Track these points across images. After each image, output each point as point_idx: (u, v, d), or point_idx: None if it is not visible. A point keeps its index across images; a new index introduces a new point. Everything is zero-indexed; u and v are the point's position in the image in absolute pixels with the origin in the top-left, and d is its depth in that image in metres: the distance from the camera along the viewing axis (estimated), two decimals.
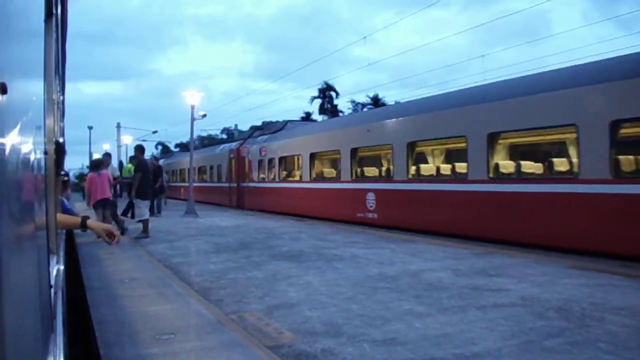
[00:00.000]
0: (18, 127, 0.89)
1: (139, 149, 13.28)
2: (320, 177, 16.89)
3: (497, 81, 12.10)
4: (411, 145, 12.48)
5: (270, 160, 19.98)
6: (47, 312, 1.62)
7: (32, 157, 1.17)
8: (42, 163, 1.61)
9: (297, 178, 18.26)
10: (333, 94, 51.91)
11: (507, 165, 10.29)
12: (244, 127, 57.43)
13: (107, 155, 15.73)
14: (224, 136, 62.67)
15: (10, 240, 0.79)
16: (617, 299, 5.17)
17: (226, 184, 24.81)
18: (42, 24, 1.80)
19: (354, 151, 14.64)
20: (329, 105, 51.83)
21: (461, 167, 11.24)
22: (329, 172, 17.04)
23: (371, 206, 13.50)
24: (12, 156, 0.82)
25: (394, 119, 13.29)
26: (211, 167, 28.27)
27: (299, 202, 17.56)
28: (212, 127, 78.09)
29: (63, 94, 8.44)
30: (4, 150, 0.74)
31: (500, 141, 10.50)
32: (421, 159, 13.64)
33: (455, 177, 11.55)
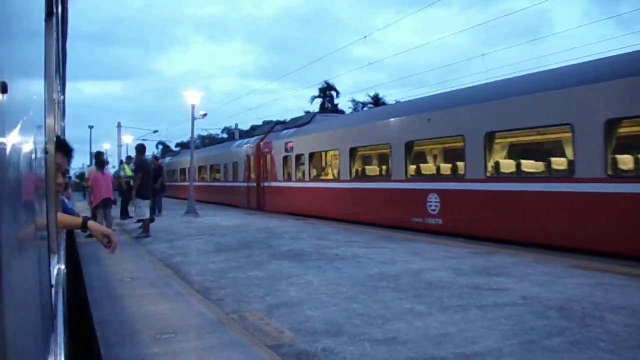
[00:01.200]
0: (19, 126, 0.89)
1: (140, 149, 13.29)
2: (364, 176, 14.64)
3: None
4: (490, 137, 10.27)
5: (299, 157, 17.77)
6: (48, 311, 1.62)
7: (32, 156, 1.17)
8: (43, 163, 1.61)
9: (333, 177, 16.31)
10: (334, 93, 51.95)
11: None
12: (245, 126, 57.43)
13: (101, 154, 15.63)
14: (225, 136, 62.67)
15: (11, 240, 0.79)
16: (618, 298, 5.17)
17: (244, 184, 22.67)
18: (43, 23, 1.80)
19: (409, 145, 12.55)
20: (329, 105, 51.84)
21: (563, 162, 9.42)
22: (375, 169, 14.85)
23: (434, 210, 11.44)
24: (13, 156, 0.82)
25: (472, 105, 10.76)
26: (226, 166, 25.91)
27: (335, 204, 15.41)
28: (212, 127, 78.19)
29: (64, 93, 8.45)
30: (4, 149, 0.74)
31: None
32: (510, 153, 11.08)
33: (561, 174, 9.30)
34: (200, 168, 30.48)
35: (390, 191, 13.11)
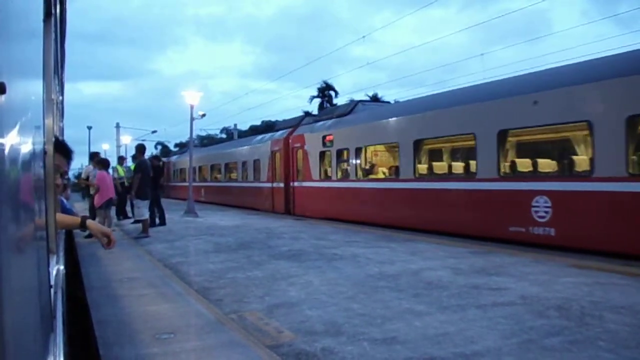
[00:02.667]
0: (17, 126, 0.89)
1: (140, 149, 13.29)
2: (433, 174, 12.09)
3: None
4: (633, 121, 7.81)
5: (340, 152, 15.08)
6: (47, 311, 1.62)
7: (31, 157, 1.17)
8: (42, 163, 1.61)
9: (388, 175, 13.73)
10: (332, 93, 51.93)
11: None
12: (244, 126, 57.45)
13: (97, 154, 15.59)
14: (224, 136, 62.66)
15: (10, 240, 0.79)
16: (617, 297, 5.18)
17: (267, 184, 19.69)
18: (41, 23, 1.80)
19: (502, 135, 9.97)
20: (328, 105, 51.82)
21: None
22: (450, 166, 12.16)
23: (542, 217, 9.02)
24: (11, 156, 0.82)
25: (598, 81, 8.34)
26: (244, 164, 22.79)
27: (392, 208, 12.75)
28: (211, 127, 78.18)
29: (62, 93, 8.44)
30: (3, 150, 0.74)
31: None
32: None
33: None
34: (212, 167, 28.14)
35: (475, 194, 10.50)
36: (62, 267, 3.45)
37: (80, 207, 18.02)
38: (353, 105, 16.09)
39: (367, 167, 14.58)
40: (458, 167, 11.92)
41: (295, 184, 17.68)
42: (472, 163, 10.91)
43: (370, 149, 14.82)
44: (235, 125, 45.89)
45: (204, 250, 9.30)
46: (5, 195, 0.76)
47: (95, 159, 13.56)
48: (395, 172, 13.19)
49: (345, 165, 15.22)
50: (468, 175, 11.11)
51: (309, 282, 6.24)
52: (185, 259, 8.40)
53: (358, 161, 14.52)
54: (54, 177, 2.33)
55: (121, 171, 17.16)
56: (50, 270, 1.91)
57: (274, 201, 19.11)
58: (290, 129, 18.86)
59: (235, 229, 12.83)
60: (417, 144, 12.30)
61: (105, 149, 50.08)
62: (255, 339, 4.12)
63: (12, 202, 0.84)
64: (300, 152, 17.43)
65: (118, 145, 44.99)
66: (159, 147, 69.28)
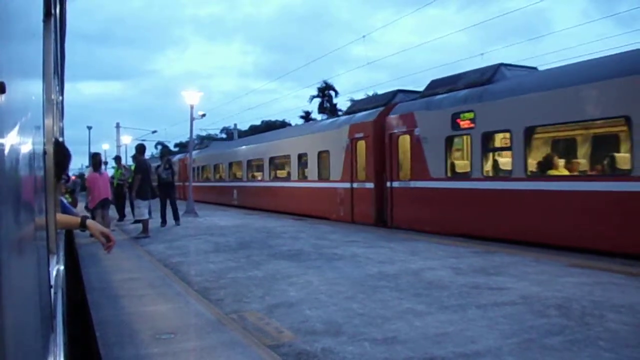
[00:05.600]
0: (17, 127, 0.89)
1: (140, 149, 13.26)
2: None
3: None
4: None
5: (489, 137, 10.32)
6: (47, 312, 1.62)
7: (31, 157, 1.17)
8: (41, 163, 1.61)
9: (586, 169, 9.14)
10: (332, 92, 51.98)
11: None
12: (243, 126, 57.48)
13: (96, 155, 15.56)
14: (224, 135, 62.70)
15: (10, 240, 0.79)
16: (617, 296, 5.18)
17: (341, 184, 14.64)
18: (41, 23, 1.79)
19: None
20: (328, 104, 51.87)
21: None
22: None
23: None
24: (11, 156, 0.82)
25: None
26: (300, 158, 17.41)
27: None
28: (211, 127, 78.19)
29: (62, 94, 8.45)
30: (3, 150, 0.74)
31: None
32: None
33: None
34: (249, 163, 22.39)
35: None
36: (62, 267, 3.45)
37: (80, 207, 18.02)
38: (494, 70, 10.96)
39: (545, 158, 9.56)
40: None
41: (396, 184, 12.70)
42: None
43: (548, 130, 9.71)
44: (235, 125, 45.91)
45: (204, 250, 9.29)
46: (5, 195, 0.76)
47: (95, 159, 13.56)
48: (612, 165, 8.44)
49: (499, 157, 10.44)
50: None
51: (309, 282, 6.24)
52: (185, 259, 8.40)
53: (528, 150, 9.48)
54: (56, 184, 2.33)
55: (116, 173, 16.44)
56: (50, 271, 1.91)
57: (354, 207, 14.10)
58: (379, 109, 13.80)
59: (235, 229, 12.83)
60: None
61: (105, 149, 50.16)
62: (255, 339, 4.12)
63: (12, 203, 0.84)
64: (405, 138, 12.50)
65: (118, 145, 45.02)
66: (159, 147, 69.41)
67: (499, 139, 10.53)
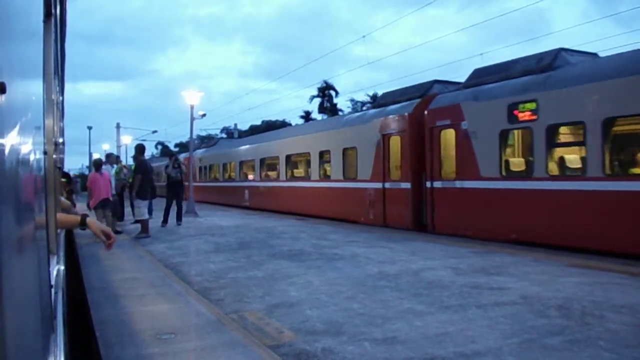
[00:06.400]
0: (17, 127, 0.89)
1: (139, 149, 13.26)
2: None
3: None
4: None
5: (553, 130, 9.05)
6: (48, 312, 1.62)
7: (31, 157, 1.17)
8: (42, 163, 1.61)
9: None
10: (332, 92, 51.99)
11: None
12: (244, 126, 57.49)
13: (109, 156, 15.63)
14: (224, 135, 62.73)
15: (10, 240, 0.79)
16: (617, 297, 5.18)
17: (371, 184, 13.40)
18: (41, 24, 1.80)
19: None
20: (328, 104, 51.88)
21: None
22: None
23: None
24: (12, 156, 0.82)
25: None
26: (322, 156, 16.06)
27: None
28: (211, 127, 78.26)
29: (62, 94, 8.44)
30: (3, 150, 0.74)
31: None
32: None
33: None
34: (262, 161, 20.98)
35: None
36: (62, 267, 3.46)
37: (79, 207, 18.01)
38: (553, 55, 9.64)
39: (628, 154, 8.72)
40: None
41: (438, 184, 11.40)
42: None
43: (632, 122, 8.39)
44: (235, 125, 45.92)
45: (204, 250, 9.30)
46: (5, 195, 0.76)
47: (110, 159, 13.68)
48: None
49: (567, 153, 9.17)
50: None
51: (309, 282, 6.24)
52: (185, 259, 8.40)
53: (600, 144, 8.11)
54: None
55: (117, 171, 16.36)
56: (51, 271, 1.91)
57: (386, 210, 12.86)
58: (415, 101, 12.56)
59: (235, 229, 12.83)
60: None
61: (106, 149, 50.20)
62: (255, 339, 4.12)
63: (12, 203, 0.84)
64: (449, 133, 11.23)
65: (118, 145, 45.08)
66: (159, 147, 69.47)
67: (569, 133, 9.26)
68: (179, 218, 14.16)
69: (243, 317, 4.80)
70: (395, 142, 12.86)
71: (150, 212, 14.76)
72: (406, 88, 13.84)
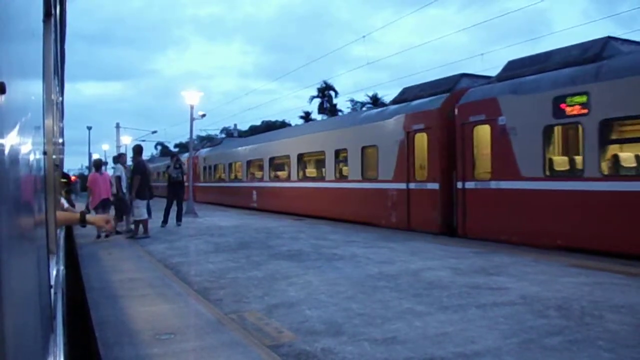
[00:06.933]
0: (17, 127, 0.89)
1: (137, 150, 13.26)
2: None
3: None
4: None
5: (609, 125, 8.31)
6: (47, 312, 1.62)
7: (31, 157, 1.17)
8: (41, 163, 1.61)
9: None
10: (332, 93, 51.98)
11: None
12: (243, 126, 57.50)
13: (121, 156, 15.60)
14: (224, 135, 62.78)
15: (10, 240, 0.79)
16: (616, 297, 5.18)
17: (394, 185, 12.57)
18: (41, 24, 1.80)
19: None
20: (328, 105, 51.87)
21: None
22: None
23: None
24: (11, 156, 0.82)
25: None
26: (338, 154, 15.23)
27: None
28: (211, 127, 78.31)
29: (62, 94, 8.44)
30: (3, 150, 0.74)
31: None
32: None
33: None
34: (271, 161, 19.98)
35: None
36: (62, 268, 3.46)
37: (78, 208, 18.01)
38: (602, 44, 9.02)
39: None
40: None
41: (470, 184, 10.51)
42: None
43: None
44: (235, 125, 45.91)
45: (204, 251, 9.29)
46: (5, 195, 0.76)
47: (120, 159, 13.70)
48: None
49: (626, 150, 8.46)
50: None
51: (309, 282, 6.24)
52: (185, 259, 8.40)
53: None
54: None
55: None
56: (50, 271, 1.91)
57: (410, 212, 12.05)
58: (443, 96, 11.63)
59: (235, 229, 12.83)
60: None
61: (105, 149, 50.20)
62: (255, 339, 4.12)
63: (12, 203, 0.84)
64: (483, 129, 10.40)
65: (118, 145, 45.04)
66: (159, 147, 69.46)
67: (628, 128, 8.49)
68: (178, 218, 14.18)
69: (242, 317, 4.79)
70: (421, 140, 11.97)
71: (149, 212, 14.78)
72: (431, 82, 13.01)
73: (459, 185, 10.75)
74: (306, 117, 52.57)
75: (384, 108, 14.13)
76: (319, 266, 7.37)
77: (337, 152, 15.25)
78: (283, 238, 10.78)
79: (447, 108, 11.21)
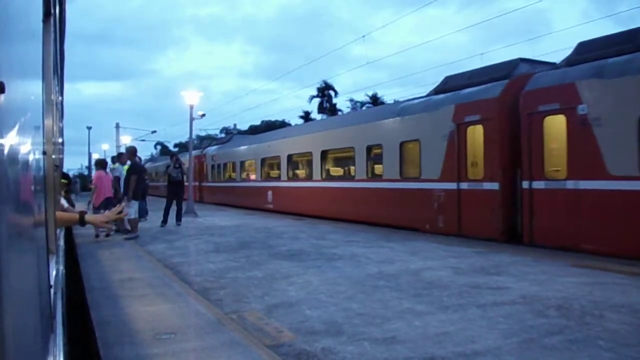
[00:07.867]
0: (16, 127, 0.89)
1: (132, 151, 13.29)
2: None
3: None
4: None
5: None
6: (47, 312, 1.62)
7: (30, 157, 1.17)
8: (41, 163, 1.61)
9: None
10: (332, 92, 51.99)
11: None
12: (243, 126, 57.48)
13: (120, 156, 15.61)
14: (223, 135, 62.81)
15: (9, 240, 0.79)
16: (616, 296, 5.18)
17: (439, 184, 11.15)
18: (40, 23, 1.79)
19: None
20: (327, 104, 51.88)
21: None
22: None
23: None
24: (11, 156, 0.82)
25: None
26: (370, 150, 13.86)
27: None
28: (211, 127, 78.35)
29: (62, 94, 8.44)
30: (2, 150, 0.74)
31: None
32: None
33: None
34: (289, 158, 18.33)
35: None
36: (62, 268, 3.46)
37: (78, 208, 18.00)
38: None
39: None
40: None
41: (539, 184, 9.10)
42: None
43: None
44: (235, 125, 45.93)
45: (204, 250, 9.29)
46: (4, 195, 0.76)
47: (122, 158, 13.72)
48: None
49: None
50: None
51: (309, 282, 6.24)
52: (185, 259, 8.40)
53: None
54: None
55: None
56: (50, 271, 1.91)
57: (461, 215, 10.58)
58: (502, 83, 10.11)
59: (235, 229, 12.83)
60: None
61: (105, 149, 50.20)
62: (255, 339, 4.12)
63: (11, 203, 0.84)
64: (555, 120, 8.95)
65: (118, 145, 45.04)
66: (159, 147, 69.46)
67: None
68: (178, 218, 14.19)
69: (243, 317, 4.79)
70: (475, 133, 10.41)
71: (146, 212, 14.80)
72: (481, 69, 11.48)
73: (525, 185, 9.29)
74: (306, 116, 52.58)
75: (427, 98, 12.45)
76: (319, 266, 7.37)
77: (369, 149, 13.74)
78: (283, 238, 10.78)
79: (508, 96, 9.77)
